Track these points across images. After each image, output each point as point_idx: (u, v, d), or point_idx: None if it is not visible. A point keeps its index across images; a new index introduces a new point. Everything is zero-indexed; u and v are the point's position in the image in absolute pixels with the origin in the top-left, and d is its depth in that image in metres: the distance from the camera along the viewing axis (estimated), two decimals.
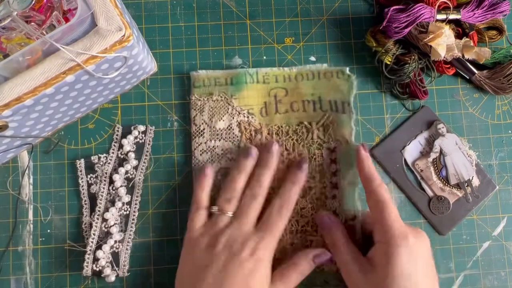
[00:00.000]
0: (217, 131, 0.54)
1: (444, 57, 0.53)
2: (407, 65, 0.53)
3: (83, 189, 0.53)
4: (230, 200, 0.49)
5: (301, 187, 0.51)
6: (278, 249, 0.51)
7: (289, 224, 0.52)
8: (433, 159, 0.54)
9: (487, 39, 0.56)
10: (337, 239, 0.48)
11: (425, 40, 0.52)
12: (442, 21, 0.53)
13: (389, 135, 0.55)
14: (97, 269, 0.51)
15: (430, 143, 0.55)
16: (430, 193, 0.54)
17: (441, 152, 0.54)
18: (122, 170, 0.53)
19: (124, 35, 0.41)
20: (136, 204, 0.53)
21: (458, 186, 0.54)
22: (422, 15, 0.51)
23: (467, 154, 0.54)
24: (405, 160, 0.55)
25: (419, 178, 0.54)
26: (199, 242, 0.47)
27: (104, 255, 0.51)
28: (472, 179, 0.54)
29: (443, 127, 0.55)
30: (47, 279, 0.52)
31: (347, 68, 0.55)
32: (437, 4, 0.53)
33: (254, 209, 0.48)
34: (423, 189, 0.54)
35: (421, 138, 0.55)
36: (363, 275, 0.45)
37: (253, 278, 0.44)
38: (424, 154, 0.55)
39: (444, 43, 0.52)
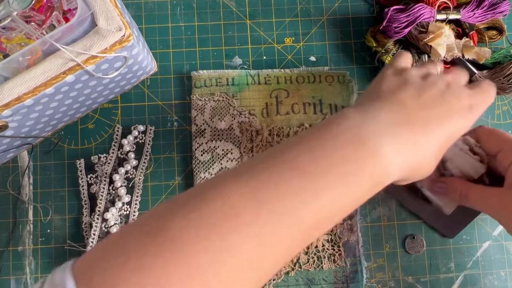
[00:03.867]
0: (218, 131, 0.54)
1: (444, 57, 0.53)
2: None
3: (83, 189, 0.53)
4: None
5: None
6: None
7: None
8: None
9: (487, 39, 0.56)
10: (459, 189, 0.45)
11: (425, 40, 0.52)
12: (442, 21, 0.53)
13: None
14: None
15: None
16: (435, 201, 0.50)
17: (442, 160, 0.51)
18: (122, 170, 0.53)
19: (124, 35, 0.41)
20: (136, 204, 0.53)
21: None
22: (422, 15, 0.51)
23: (472, 152, 0.48)
24: None
25: (418, 186, 0.50)
26: (410, 70, 0.39)
27: None
28: (484, 177, 0.49)
29: None
30: None
31: (348, 73, 0.55)
32: (437, 4, 0.53)
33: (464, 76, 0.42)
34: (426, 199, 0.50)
35: None
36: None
37: (463, 116, 0.37)
38: None
39: (444, 43, 0.52)
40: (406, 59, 0.42)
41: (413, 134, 0.34)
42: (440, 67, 0.42)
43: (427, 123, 0.35)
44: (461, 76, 0.41)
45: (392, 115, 0.34)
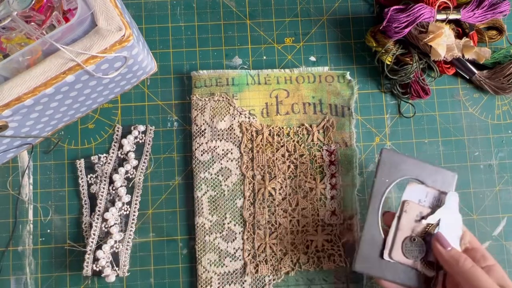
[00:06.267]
0: (218, 131, 0.54)
1: (444, 57, 0.53)
2: (409, 66, 0.54)
3: (83, 189, 0.53)
4: None
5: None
6: (279, 248, 0.51)
7: (290, 224, 0.52)
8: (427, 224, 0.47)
9: (487, 39, 0.56)
10: None
11: (425, 40, 0.52)
12: (442, 21, 0.53)
13: None
14: (97, 269, 0.50)
15: (433, 205, 0.47)
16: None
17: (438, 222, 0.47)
18: (122, 170, 0.53)
19: (124, 35, 0.41)
20: (136, 204, 0.53)
21: None
22: (422, 15, 0.51)
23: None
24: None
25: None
26: None
27: (104, 255, 0.51)
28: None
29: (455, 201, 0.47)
30: (47, 279, 0.52)
31: (348, 73, 0.55)
32: (437, 4, 0.53)
33: None
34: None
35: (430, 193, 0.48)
36: None
37: None
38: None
39: (444, 43, 0.52)
40: None
41: None
42: None
43: None
44: None
45: None
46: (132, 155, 0.53)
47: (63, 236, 0.53)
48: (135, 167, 0.54)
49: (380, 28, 0.54)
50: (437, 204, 0.47)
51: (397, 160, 0.47)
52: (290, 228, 0.52)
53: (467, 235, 0.46)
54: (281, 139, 0.54)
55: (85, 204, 0.53)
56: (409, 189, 0.47)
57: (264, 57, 0.57)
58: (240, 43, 0.57)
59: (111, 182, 0.53)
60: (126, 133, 0.54)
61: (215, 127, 0.54)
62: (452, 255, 0.44)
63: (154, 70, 0.55)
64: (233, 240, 0.52)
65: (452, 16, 0.53)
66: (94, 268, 0.50)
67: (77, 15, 0.40)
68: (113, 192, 0.53)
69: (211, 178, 0.53)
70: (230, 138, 0.54)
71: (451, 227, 0.46)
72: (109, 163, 0.53)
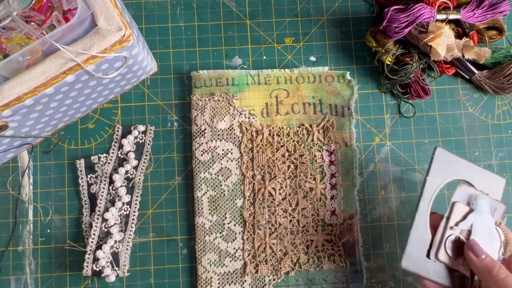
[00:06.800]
0: (218, 131, 0.54)
1: (444, 57, 0.53)
2: (409, 66, 0.54)
3: (83, 189, 0.53)
4: None
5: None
6: (279, 248, 0.52)
7: (290, 224, 0.52)
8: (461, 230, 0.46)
9: (487, 39, 0.56)
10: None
11: (425, 40, 0.52)
12: (442, 21, 0.53)
13: None
14: (97, 269, 0.50)
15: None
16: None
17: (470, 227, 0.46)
18: (122, 170, 0.53)
19: (124, 35, 0.41)
20: (136, 204, 0.53)
21: None
22: (422, 15, 0.51)
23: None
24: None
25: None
26: None
27: (104, 255, 0.51)
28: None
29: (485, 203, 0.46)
30: (47, 279, 0.52)
31: (348, 73, 0.55)
32: (437, 4, 0.53)
33: None
34: None
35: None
36: None
37: None
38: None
39: (444, 43, 0.52)
40: None
41: None
42: None
43: None
44: None
45: None
46: (132, 155, 0.53)
47: (63, 236, 0.53)
48: (135, 167, 0.54)
49: (380, 28, 0.54)
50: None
51: (449, 159, 0.46)
52: (290, 228, 0.52)
53: None
54: (281, 139, 0.54)
55: (85, 204, 0.53)
56: (459, 190, 0.46)
57: (264, 57, 0.57)
58: (240, 43, 0.57)
59: (111, 182, 0.53)
60: (126, 133, 0.54)
61: (215, 127, 0.54)
62: (485, 264, 0.42)
63: (154, 70, 0.55)
64: (233, 240, 0.52)
65: (452, 16, 0.53)
66: (94, 268, 0.50)
67: (77, 15, 0.40)
68: (113, 192, 0.53)
69: (211, 178, 0.53)
70: (230, 138, 0.54)
71: (486, 233, 0.45)
72: (109, 163, 0.53)
